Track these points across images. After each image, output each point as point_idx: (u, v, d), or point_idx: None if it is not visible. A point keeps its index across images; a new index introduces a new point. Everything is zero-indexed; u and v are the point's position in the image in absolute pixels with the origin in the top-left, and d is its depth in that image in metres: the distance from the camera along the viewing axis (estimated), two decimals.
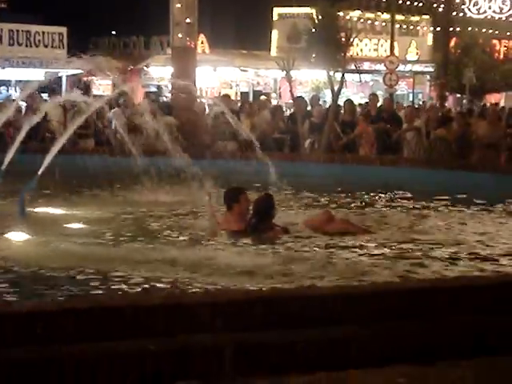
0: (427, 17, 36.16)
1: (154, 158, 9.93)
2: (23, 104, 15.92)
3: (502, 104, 28.66)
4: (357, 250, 7.71)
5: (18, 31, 25.20)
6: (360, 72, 30.08)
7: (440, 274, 6.75)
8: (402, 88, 34.50)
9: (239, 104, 21.10)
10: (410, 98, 32.50)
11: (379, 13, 34.29)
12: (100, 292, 6.08)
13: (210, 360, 4.30)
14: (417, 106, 23.84)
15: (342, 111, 17.27)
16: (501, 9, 29.28)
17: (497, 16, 29.01)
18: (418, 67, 36.12)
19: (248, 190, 8.57)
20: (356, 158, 14.63)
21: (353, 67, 22.56)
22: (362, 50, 33.16)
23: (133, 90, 18.76)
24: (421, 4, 36.38)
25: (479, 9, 29.10)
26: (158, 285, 6.27)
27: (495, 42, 32.36)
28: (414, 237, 8.39)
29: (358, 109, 19.08)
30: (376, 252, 7.65)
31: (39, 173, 8.90)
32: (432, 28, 36.07)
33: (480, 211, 10.15)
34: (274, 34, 33.77)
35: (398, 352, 4.56)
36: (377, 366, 4.46)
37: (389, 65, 26.05)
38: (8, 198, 9.18)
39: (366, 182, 11.99)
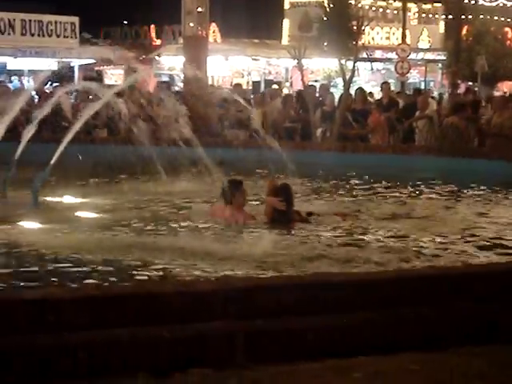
0: (439, 4, 35.95)
1: (167, 147, 9.95)
2: (35, 94, 15.98)
3: None
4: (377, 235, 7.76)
5: (30, 21, 25.23)
6: (372, 60, 29.98)
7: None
8: (414, 76, 34.33)
9: (251, 93, 21.08)
10: (422, 87, 32.32)
11: (391, 1, 34.12)
12: (113, 280, 6.11)
13: (222, 347, 4.32)
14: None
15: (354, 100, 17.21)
16: None
17: (509, 3, 28.82)
18: (429, 55, 35.94)
19: (258, 178, 8.57)
20: (368, 146, 14.60)
21: (364, 55, 22.47)
22: (373, 39, 33.01)
23: (144, 80, 18.77)
24: None
25: None
26: (171, 273, 6.30)
27: (507, 29, 32.16)
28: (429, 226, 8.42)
29: (370, 98, 19.02)
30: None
31: (52, 162, 8.93)
32: (444, 16, 35.87)
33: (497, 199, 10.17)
34: (286, 22, 33.67)
35: (410, 338, 4.56)
36: (388, 353, 4.47)
37: (400, 53, 25.93)
38: (21, 188, 9.23)
39: (377, 171, 11.99)
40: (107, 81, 28.06)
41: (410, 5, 32.15)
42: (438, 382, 4.28)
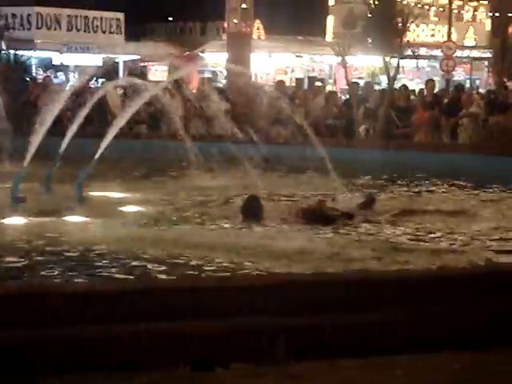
0: (485, 2, 35.52)
1: (211, 142, 10.00)
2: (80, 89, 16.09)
3: None
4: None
5: (76, 16, 25.49)
6: (417, 58, 29.72)
7: None
8: (459, 74, 33.97)
9: (294, 90, 21.04)
10: (468, 85, 31.99)
11: None
12: (154, 273, 6.16)
13: (262, 343, 4.33)
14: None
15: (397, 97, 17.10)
16: None
17: None
18: (475, 53, 35.53)
19: (300, 175, 8.52)
20: (411, 144, 14.50)
21: (409, 53, 22.29)
22: (418, 36, 32.72)
23: (188, 76, 18.85)
24: None
25: None
26: (212, 268, 6.32)
27: None
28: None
29: (412, 96, 18.87)
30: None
31: (96, 157, 9.01)
32: (490, 13, 35.44)
33: None
34: (330, 19, 33.53)
35: (452, 338, 4.53)
36: (430, 351, 4.44)
37: (446, 50, 25.68)
38: (66, 182, 9.33)
39: (421, 169, 11.90)
40: (151, 77, 28.20)
41: (456, 2, 31.82)
42: (477, 382, 4.24)
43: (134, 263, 6.47)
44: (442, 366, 4.37)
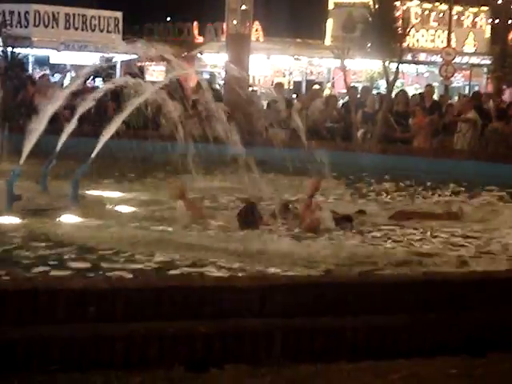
0: (486, 8, 35.56)
1: (208, 143, 9.94)
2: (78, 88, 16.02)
3: None
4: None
5: (74, 15, 25.44)
6: (416, 63, 29.73)
7: None
8: (458, 80, 34.00)
9: (292, 93, 21.05)
10: (467, 91, 32.02)
11: (437, 3, 33.82)
12: (150, 273, 6.12)
13: (259, 344, 4.29)
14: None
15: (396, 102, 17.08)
16: None
17: None
18: (475, 59, 35.56)
19: (299, 178, 8.49)
20: (410, 149, 14.47)
21: (409, 58, 22.28)
22: (418, 41, 32.75)
23: (186, 77, 18.81)
24: None
25: None
26: (208, 269, 6.28)
27: None
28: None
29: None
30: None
31: (92, 156, 8.96)
32: (490, 20, 35.47)
33: None
34: (329, 22, 33.53)
35: (450, 343, 4.49)
36: (428, 356, 4.40)
37: (445, 56, 25.68)
38: (62, 181, 9.28)
39: (419, 174, 11.88)
40: (149, 77, 28.14)
41: (456, 8, 31.85)
42: None
43: (126, 263, 6.44)
44: (438, 371, 4.33)
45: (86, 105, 9.88)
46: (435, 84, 24.49)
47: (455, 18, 31.65)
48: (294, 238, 7.58)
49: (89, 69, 13.33)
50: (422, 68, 34.30)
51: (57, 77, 25.06)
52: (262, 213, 8.24)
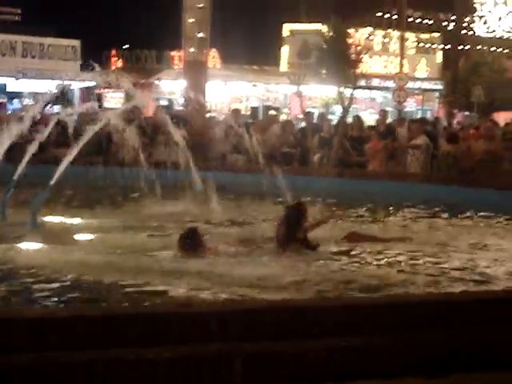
0: (437, 34, 36.26)
1: (167, 169, 10.02)
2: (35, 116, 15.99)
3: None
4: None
5: (31, 43, 25.43)
6: (370, 88, 30.15)
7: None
8: (411, 105, 34.56)
9: (249, 118, 21.23)
10: (419, 115, 32.55)
11: (389, 30, 34.41)
12: (109, 300, 6.14)
13: (220, 369, 4.34)
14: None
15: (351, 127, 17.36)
16: (511, 28, 29.35)
17: (506, 35, 29.06)
18: (427, 84, 36.17)
19: (257, 203, 8.58)
20: (365, 173, 14.69)
21: (363, 83, 22.65)
22: (371, 67, 33.27)
23: (144, 104, 18.89)
24: (431, 22, 36.49)
25: (489, 27, 29.18)
26: (168, 294, 6.32)
27: (504, 60, 32.43)
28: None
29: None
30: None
31: (51, 183, 8.98)
32: (442, 46, 36.16)
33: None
34: (285, 49, 33.92)
35: (410, 364, 4.56)
36: (387, 378, 4.48)
37: (398, 82, 26.14)
38: (20, 208, 9.27)
39: (375, 197, 12.07)
40: (107, 104, 28.18)
41: (408, 34, 32.41)
42: None
43: (86, 289, 6.45)
44: None
45: (45, 132, 9.92)
46: (389, 109, 24.90)
47: (408, 43, 32.22)
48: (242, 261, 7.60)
49: (46, 96, 13.37)
50: (375, 93, 34.80)
51: (15, 104, 24.99)
52: (214, 238, 8.23)
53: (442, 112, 32.50)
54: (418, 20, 35.73)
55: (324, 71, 18.68)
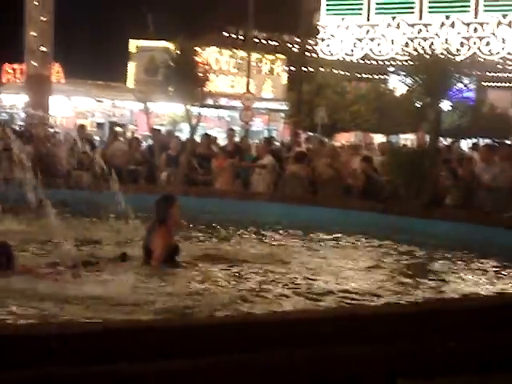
0: (282, 56, 37.10)
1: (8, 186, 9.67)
2: None
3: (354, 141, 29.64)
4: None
5: None
6: (217, 107, 30.40)
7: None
8: (258, 124, 35.16)
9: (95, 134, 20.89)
10: (266, 134, 33.16)
11: (235, 50, 34.90)
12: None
13: None
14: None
15: (199, 145, 17.42)
16: (352, 51, 30.48)
17: (348, 58, 30.14)
18: (273, 105, 36.92)
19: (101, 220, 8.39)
20: (211, 191, 14.75)
21: (210, 102, 22.79)
22: (218, 86, 33.61)
23: None
24: (276, 43, 37.30)
25: (331, 50, 30.17)
26: (27, 318, 6.08)
27: (346, 83, 33.53)
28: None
29: (214, 144, 19.30)
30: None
31: None
32: (287, 67, 37.02)
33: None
34: (131, 66, 33.71)
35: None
36: None
37: (245, 101, 26.52)
38: None
39: (221, 215, 12.14)
40: None
41: (255, 55, 32.96)
42: None
43: None
44: None
45: None
46: (236, 128, 25.20)
47: (254, 64, 32.76)
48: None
49: None
50: (223, 112, 35.18)
51: None
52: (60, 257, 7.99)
53: (288, 132, 33.24)
54: (264, 41, 36.44)
55: (171, 89, 18.65)
